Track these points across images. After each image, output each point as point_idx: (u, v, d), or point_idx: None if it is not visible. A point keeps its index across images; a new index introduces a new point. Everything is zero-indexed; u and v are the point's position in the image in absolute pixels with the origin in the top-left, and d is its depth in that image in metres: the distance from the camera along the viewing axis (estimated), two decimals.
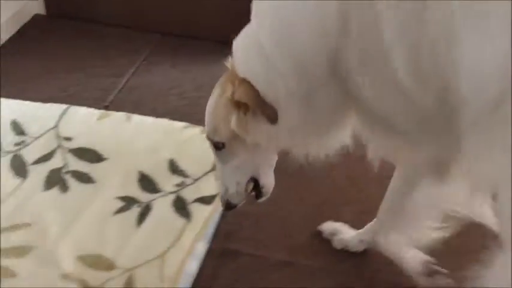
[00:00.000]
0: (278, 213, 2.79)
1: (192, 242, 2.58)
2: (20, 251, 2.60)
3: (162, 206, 2.76)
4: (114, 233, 2.64)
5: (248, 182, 2.33)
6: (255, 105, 2.01)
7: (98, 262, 2.54)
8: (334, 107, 2.02)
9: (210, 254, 2.63)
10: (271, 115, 2.00)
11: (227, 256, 2.63)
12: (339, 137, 2.21)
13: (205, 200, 2.76)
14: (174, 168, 2.91)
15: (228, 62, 2.14)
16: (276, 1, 1.93)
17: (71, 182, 2.91)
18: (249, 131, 2.09)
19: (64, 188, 2.88)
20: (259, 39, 1.96)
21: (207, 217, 2.69)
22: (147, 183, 2.87)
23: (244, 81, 2.01)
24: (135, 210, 2.74)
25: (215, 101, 2.17)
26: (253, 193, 2.39)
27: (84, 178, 2.90)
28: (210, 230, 2.69)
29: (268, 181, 2.36)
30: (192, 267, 2.54)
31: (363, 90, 1.86)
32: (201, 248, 2.61)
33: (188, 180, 2.87)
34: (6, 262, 2.54)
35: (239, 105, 2.04)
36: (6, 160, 3.01)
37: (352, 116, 2.07)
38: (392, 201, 2.33)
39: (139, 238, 2.63)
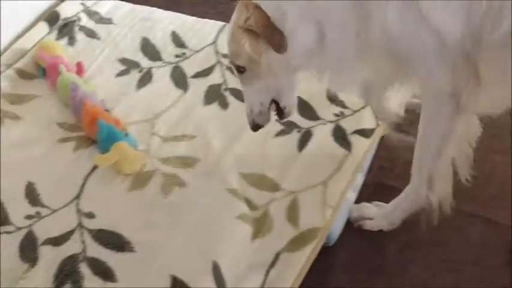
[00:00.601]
0: None
1: (352, 172, 2.63)
2: (187, 161, 2.71)
3: (322, 133, 2.80)
4: (276, 155, 2.70)
5: (271, 103, 2.38)
6: (263, 34, 2.08)
7: (261, 182, 2.61)
8: (350, 35, 2.06)
9: (365, 186, 2.69)
10: (278, 44, 2.08)
11: (382, 190, 2.67)
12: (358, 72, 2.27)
13: (365, 133, 2.79)
14: (332, 97, 2.92)
15: None
16: None
17: (231, 99, 2.98)
18: (262, 55, 2.15)
19: (224, 104, 2.96)
20: None
21: (366, 150, 2.72)
22: (306, 110, 2.90)
23: (256, 8, 2.07)
24: (296, 135, 2.79)
25: (233, 26, 2.21)
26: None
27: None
28: (367, 163, 2.72)
29: (290, 103, 2.39)
30: (351, 197, 2.58)
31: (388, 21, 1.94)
32: (360, 179, 2.65)
33: (347, 111, 2.89)
34: (175, 171, 2.64)
35: (251, 32, 2.10)
36: (167, 70, 3.09)
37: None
38: None
39: (301, 163, 2.69)
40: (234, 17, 2.21)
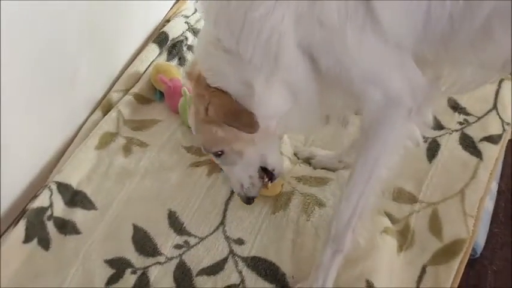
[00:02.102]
0: None
1: (488, 180, 2.63)
2: (321, 180, 2.71)
3: (449, 143, 2.81)
4: (406, 166, 2.66)
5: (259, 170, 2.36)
6: (227, 122, 2.06)
7: (399, 195, 2.63)
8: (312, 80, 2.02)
9: (500, 194, 2.71)
10: (247, 126, 2.04)
11: None
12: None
13: (493, 139, 2.79)
14: (454, 105, 2.94)
15: (192, 70, 2.16)
16: None
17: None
18: (240, 137, 2.13)
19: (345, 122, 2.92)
20: (218, 38, 1.95)
21: (497, 156, 2.72)
22: None
23: (214, 96, 2.03)
24: (422, 145, 2.77)
25: (195, 119, 2.18)
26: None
27: None
28: (499, 169, 2.73)
29: (277, 163, 2.36)
30: (489, 206, 2.61)
31: None
32: (494, 187, 2.67)
33: (471, 118, 2.89)
34: (312, 190, 2.66)
35: (217, 121, 2.07)
36: None
37: None
38: None
39: (434, 173, 2.70)
40: (192, 109, 2.17)
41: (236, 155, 2.25)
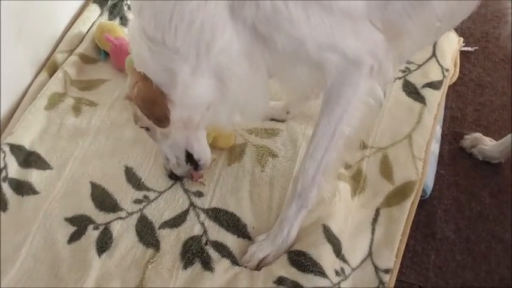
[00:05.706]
0: (499, 100, 2.99)
1: (433, 124, 2.74)
2: (271, 131, 2.77)
3: (393, 90, 2.90)
4: None
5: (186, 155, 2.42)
6: (140, 108, 2.12)
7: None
8: (248, 60, 2.06)
9: (443, 137, 2.85)
10: (158, 120, 2.10)
11: (460, 139, 2.86)
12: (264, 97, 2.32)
13: (434, 85, 2.90)
14: None
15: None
16: None
17: None
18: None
19: None
20: (143, 27, 1.96)
21: (439, 101, 2.84)
22: None
23: (141, 79, 2.05)
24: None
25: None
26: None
27: None
28: (441, 113, 2.84)
29: (203, 154, 2.39)
30: (435, 148, 2.72)
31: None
32: (438, 130, 2.78)
33: (412, 66, 2.99)
34: (263, 142, 2.72)
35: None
36: None
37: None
38: None
39: (380, 119, 2.78)
40: (128, 80, 2.19)
41: (161, 135, 2.28)
